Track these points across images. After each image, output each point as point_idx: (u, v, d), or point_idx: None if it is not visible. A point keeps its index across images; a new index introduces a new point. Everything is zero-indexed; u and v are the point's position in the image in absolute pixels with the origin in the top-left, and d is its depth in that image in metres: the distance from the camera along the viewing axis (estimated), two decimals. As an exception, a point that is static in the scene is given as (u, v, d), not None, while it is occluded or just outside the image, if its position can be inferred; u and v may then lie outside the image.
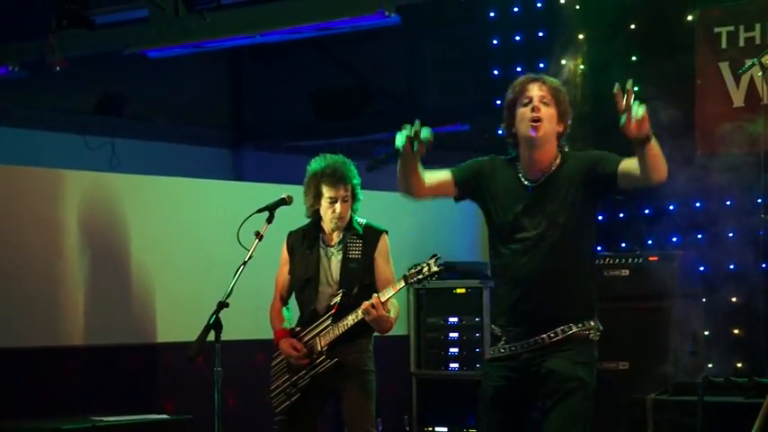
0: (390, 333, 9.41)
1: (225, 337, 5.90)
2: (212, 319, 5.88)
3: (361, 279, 6.48)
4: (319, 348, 6.45)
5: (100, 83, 12.89)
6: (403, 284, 6.24)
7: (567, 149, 5.36)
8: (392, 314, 6.41)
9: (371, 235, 6.58)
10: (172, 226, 8.61)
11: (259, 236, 6.29)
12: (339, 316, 6.44)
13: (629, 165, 5.12)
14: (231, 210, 7.10)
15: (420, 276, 6.19)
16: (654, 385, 7.77)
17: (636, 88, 4.97)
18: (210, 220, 8.63)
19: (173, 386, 8.34)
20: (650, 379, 7.94)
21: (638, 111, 4.88)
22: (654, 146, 4.98)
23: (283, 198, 6.49)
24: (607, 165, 5.19)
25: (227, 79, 14.40)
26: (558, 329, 5.15)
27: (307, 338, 6.53)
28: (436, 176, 5.39)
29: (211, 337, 5.89)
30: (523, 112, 5.27)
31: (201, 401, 6.69)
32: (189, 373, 7.68)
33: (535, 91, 5.26)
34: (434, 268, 6.17)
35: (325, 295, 6.54)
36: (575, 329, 5.16)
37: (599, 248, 9.23)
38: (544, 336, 5.16)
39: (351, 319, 6.39)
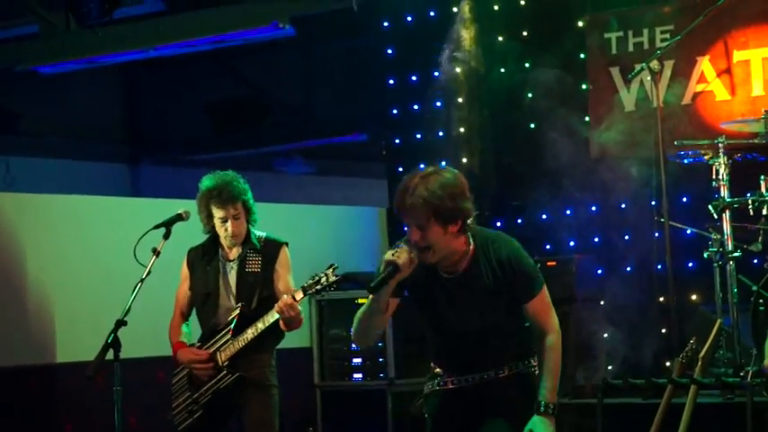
0: (293, 345, 9.43)
1: (124, 355, 5.84)
2: (110, 338, 5.82)
3: (259, 292, 6.46)
4: (220, 363, 6.42)
5: (-9, 100, 12.71)
6: (302, 295, 6.24)
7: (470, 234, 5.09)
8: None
9: (271, 248, 6.56)
10: (69, 244, 8.51)
11: (156, 252, 6.24)
12: (239, 330, 6.41)
13: (533, 317, 5.09)
14: (129, 226, 7.03)
15: (318, 287, 6.20)
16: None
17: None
18: (108, 238, 8.53)
19: (72, 407, 8.22)
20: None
21: None
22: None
23: (180, 214, 6.45)
24: (524, 294, 5.07)
25: (122, 93, 14.27)
26: (506, 367, 5.15)
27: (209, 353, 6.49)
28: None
29: (110, 355, 5.82)
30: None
31: (102, 421, 6.61)
32: (88, 393, 7.59)
33: (407, 219, 4.95)
34: (332, 278, 6.19)
35: (225, 310, 6.50)
36: (521, 368, 5.17)
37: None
38: (490, 372, 5.15)
39: (250, 333, 6.37)
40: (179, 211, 6.46)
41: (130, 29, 10.33)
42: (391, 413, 9.12)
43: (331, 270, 6.22)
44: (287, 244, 6.63)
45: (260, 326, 6.34)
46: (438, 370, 5.28)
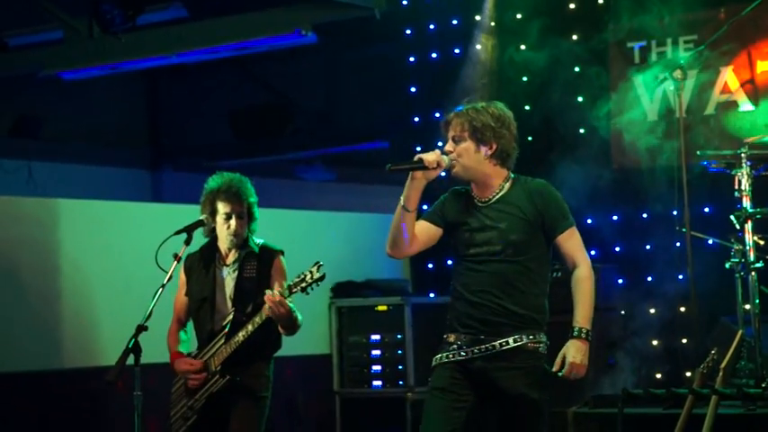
0: (313, 352, 9.44)
1: (144, 360, 5.83)
2: (131, 343, 5.81)
3: (254, 298, 6.38)
4: (213, 368, 6.38)
5: (15, 105, 12.74)
6: (288, 294, 6.15)
7: (514, 175, 5.47)
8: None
9: (267, 255, 6.51)
10: (90, 249, 8.54)
11: (177, 258, 6.24)
12: (231, 335, 6.35)
13: (565, 252, 5.42)
14: (150, 232, 7.04)
15: (303, 284, 6.11)
16: (575, 398, 7.83)
17: None
18: (129, 243, 8.56)
19: (92, 412, 8.24)
20: (571, 392, 7.99)
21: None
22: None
23: (201, 219, 6.44)
24: (554, 226, 5.39)
25: (144, 99, 14.31)
26: (510, 338, 5.28)
27: (203, 360, 6.44)
28: (422, 230, 5.49)
29: (131, 360, 5.82)
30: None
31: (122, 426, 6.61)
32: (108, 399, 7.61)
33: (449, 131, 5.43)
34: (317, 275, 6.11)
35: (222, 315, 6.45)
36: (525, 340, 5.29)
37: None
38: (495, 343, 5.29)
39: (241, 336, 6.29)
40: (200, 217, 6.47)
41: (154, 35, 10.35)
42: (410, 421, 9.12)
43: (315, 267, 6.14)
44: (283, 252, 6.59)
45: (249, 327, 6.26)
46: (450, 337, 5.42)
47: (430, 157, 5.28)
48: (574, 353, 5.27)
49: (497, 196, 5.40)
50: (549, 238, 5.38)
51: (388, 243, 5.49)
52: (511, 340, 5.27)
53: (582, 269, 5.39)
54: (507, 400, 5.30)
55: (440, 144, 5.70)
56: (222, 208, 6.44)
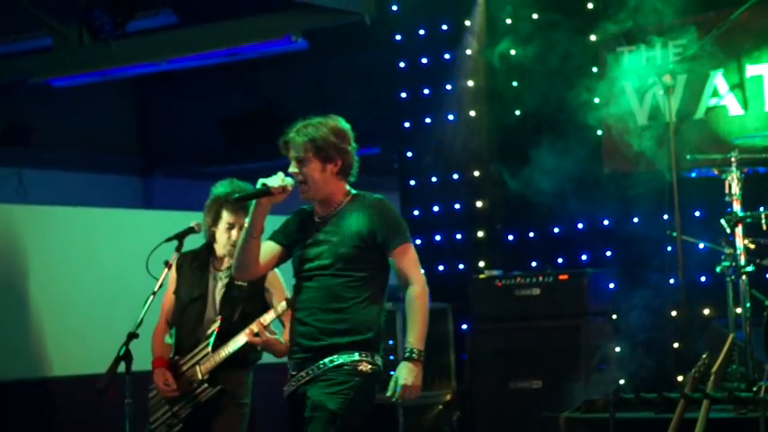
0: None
1: (136, 368, 5.83)
2: (122, 351, 5.81)
3: (242, 308, 6.35)
4: (200, 377, 6.34)
5: (4, 113, 12.73)
6: (285, 306, 6.13)
7: (354, 191, 5.49)
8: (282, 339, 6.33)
9: None
10: (80, 256, 8.52)
11: (168, 265, 6.23)
12: (217, 343, 6.31)
13: (398, 269, 5.38)
14: (141, 239, 7.03)
15: (268, 322, 6.13)
16: (566, 403, 7.83)
17: None
18: (120, 250, 8.54)
19: (83, 420, 8.22)
20: (563, 397, 8.00)
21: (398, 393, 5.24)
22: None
23: (192, 227, 6.42)
24: (387, 242, 5.35)
25: (135, 106, 14.30)
26: (327, 360, 5.27)
27: (186, 367, 6.38)
28: (266, 251, 5.48)
29: (122, 368, 5.81)
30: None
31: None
32: (100, 406, 7.57)
33: (290, 150, 5.45)
34: (280, 311, 6.11)
35: (209, 321, 6.40)
36: (343, 361, 5.26)
37: (512, 269, 9.28)
38: (314, 367, 5.29)
39: (231, 346, 6.27)
40: (191, 224, 6.43)
41: (144, 42, 10.36)
42: (403, 427, 9.10)
43: (279, 305, 6.15)
44: None
45: (240, 339, 6.22)
46: (289, 362, 5.45)
47: (274, 183, 5.30)
48: (405, 375, 5.23)
49: (335, 212, 5.42)
50: (384, 253, 5.36)
51: (233, 267, 5.51)
52: (327, 361, 5.26)
53: (415, 287, 5.34)
54: (307, 406, 5.27)
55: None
56: (226, 217, 6.42)
